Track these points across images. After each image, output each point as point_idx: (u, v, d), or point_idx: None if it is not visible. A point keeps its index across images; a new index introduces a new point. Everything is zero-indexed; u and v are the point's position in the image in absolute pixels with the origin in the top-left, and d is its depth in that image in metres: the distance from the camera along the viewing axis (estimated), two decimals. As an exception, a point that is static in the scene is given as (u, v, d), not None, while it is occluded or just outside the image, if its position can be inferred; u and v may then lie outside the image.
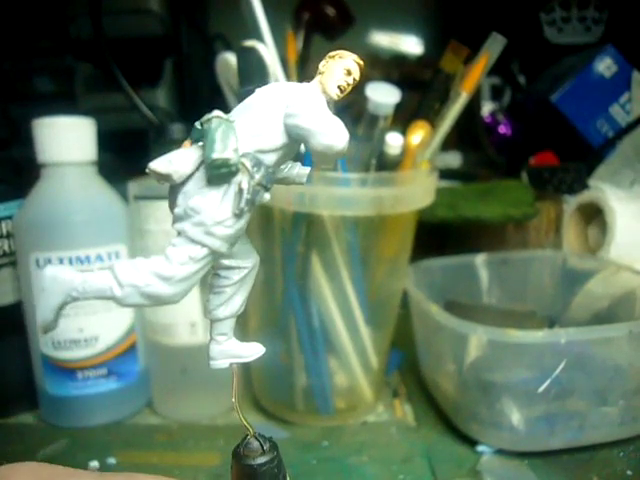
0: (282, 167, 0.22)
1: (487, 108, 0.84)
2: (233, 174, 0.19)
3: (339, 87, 0.21)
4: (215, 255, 0.20)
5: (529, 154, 0.75)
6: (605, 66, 0.71)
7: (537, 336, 0.36)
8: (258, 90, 0.21)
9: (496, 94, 0.86)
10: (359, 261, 0.42)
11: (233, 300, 0.22)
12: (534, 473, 0.36)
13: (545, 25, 0.82)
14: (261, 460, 0.23)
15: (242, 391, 0.48)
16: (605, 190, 0.58)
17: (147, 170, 0.20)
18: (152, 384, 0.47)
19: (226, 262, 0.21)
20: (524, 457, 0.38)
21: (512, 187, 0.61)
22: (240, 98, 0.22)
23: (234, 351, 0.23)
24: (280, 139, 0.20)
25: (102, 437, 0.43)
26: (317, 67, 0.21)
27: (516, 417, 0.37)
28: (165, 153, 0.20)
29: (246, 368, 0.47)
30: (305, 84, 0.21)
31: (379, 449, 0.41)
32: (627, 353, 0.37)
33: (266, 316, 0.45)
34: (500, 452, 0.39)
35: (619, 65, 0.71)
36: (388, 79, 0.46)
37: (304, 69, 0.47)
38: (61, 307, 0.21)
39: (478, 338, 0.37)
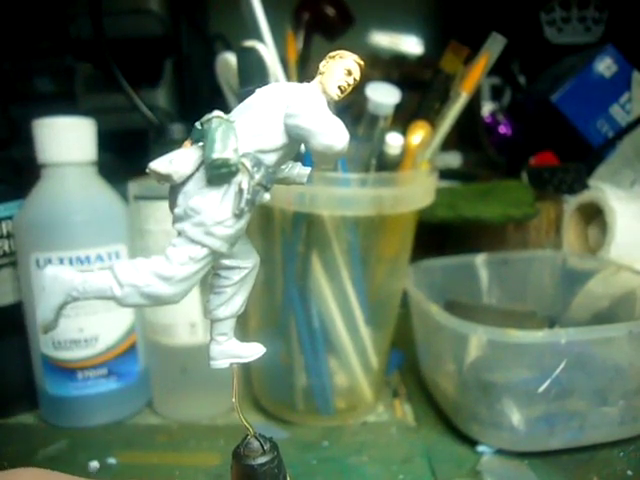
0: (282, 167, 0.22)
1: (487, 108, 0.84)
2: (233, 174, 0.19)
3: (339, 87, 0.21)
4: (215, 255, 0.20)
5: (529, 154, 0.75)
6: (605, 66, 0.71)
7: (537, 336, 0.36)
8: (258, 90, 0.21)
9: (496, 94, 0.86)
10: (359, 261, 0.42)
11: (233, 300, 0.22)
12: (534, 473, 0.36)
13: (545, 25, 0.82)
14: (262, 460, 0.23)
15: (242, 391, 0.48)
16: (605, 190, 0.58)
17: (147, 170, 0.20)
18: (152, 384, 0.47)
19: (226, 262, 0.21)
20: (524, 457, 0.38)
21: (512, 187, 0.61)
22: (240, 98, 0.22)
23: (234, 351, 0.23)
24: (280, 139, 0.20)
25: (102, 437, 0.43)
26: (317, 67, 0.21)
27: (516, 417, 0.37)
28: (165, 153, 0.20)
29: (246, 368, 0.47)
30: (305, 84, 0.21)
31: (379, 449, 0.41)
32: (627, 353, 0.37)
33: (266, 316, 0.45)
34: (500, 452, 0.39)
35: (619, 65, 0.71)
36: (388, 79, 0.46)
37: (304, 69, 0.47)
38: (61, 307, 0.21)
39: (478, 338, 0.37)
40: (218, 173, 0.19)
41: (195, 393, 0.45)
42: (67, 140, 0.42)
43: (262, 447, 0.23)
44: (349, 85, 0.21)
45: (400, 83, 0.44)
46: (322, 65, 0.21)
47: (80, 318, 0.42)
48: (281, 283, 0.42)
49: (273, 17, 0.42)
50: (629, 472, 0.36)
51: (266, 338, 0.45)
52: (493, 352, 0.38)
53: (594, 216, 0.60)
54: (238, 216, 0.20)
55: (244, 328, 0.45)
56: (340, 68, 0.21)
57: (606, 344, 0.37)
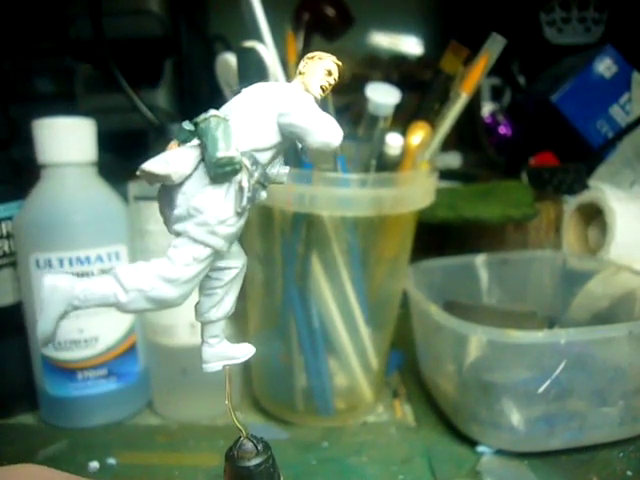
0: None
1: (487, 108, 0.84)
2: (236, 172, 0.19)
3: (321, 87, 0.21)
4: (216, 255, 0.20)
5: (529, 154, 0.75)
6: (605, 66, 0.71)
7: (537, 336, 0.36)
8: (244, 90, 0.21)
9: (496, 94, 0.86)
10: (359, 262, 0.42)
11: (224, 301, 0.22)
12: (534, 474, 0.36)
13: (545, 25, 0.82)
14: (257, 461, 0.23)
15: (242, 391, 0.48)
16: (605, 190, 0.58)
17: (139, 172, 0.19)
18: (152, 385, 0.47)
19: (218, 263, 0.21)
20: (524, 457, 0.38)
21: (512, 187, 0.61)
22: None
23: (227, 353, 0.23)
24: (274, 138, 0.20)
25: (102, 438, 0.43)
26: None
27: (516, 417, 0.37)
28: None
29: (246, 369, 0.47)
30: (289, 84, 0.21)
31: (379, 449, 0.41)
32: (627, 353, 0.37)
33: (266, 316, 0.45)
34: (500, 452, 0.39)
35: (619, 65, 0.71)
36: (388, 79, 0.46)
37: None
38: (62, 317, 0.20)
39: (478, 338, 0.37)
40: (222, 171, 0.19)
41: (195, 393, 0.45)
42: (67, 140, 0.42)
43: (256, 448, 0.23)
44: (330, 85, 0.21)
45: (400, 83, 0.44)
46: (302, 66, 0.22)
47: (80, 319, 0.42)
48: (281, 283, 0.42)
49: (273, 17, 0.42)
50: (629, 472, 0.36)
51: (266, 338, 0.45)
52: (493, 352, 0.38)
53: (594, 216, 0.60)
54: (240, 214, 0.20)
55: (244, 329, 0.46)
56: (320, 68, 0.21)
57: (606, 344, 0.37)
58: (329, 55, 0.22)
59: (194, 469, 0.38)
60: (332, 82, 0.21)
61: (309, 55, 0.22)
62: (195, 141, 0.20)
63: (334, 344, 0.43)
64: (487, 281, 0.53)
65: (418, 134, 0.42)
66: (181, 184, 0.20)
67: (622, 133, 0.68)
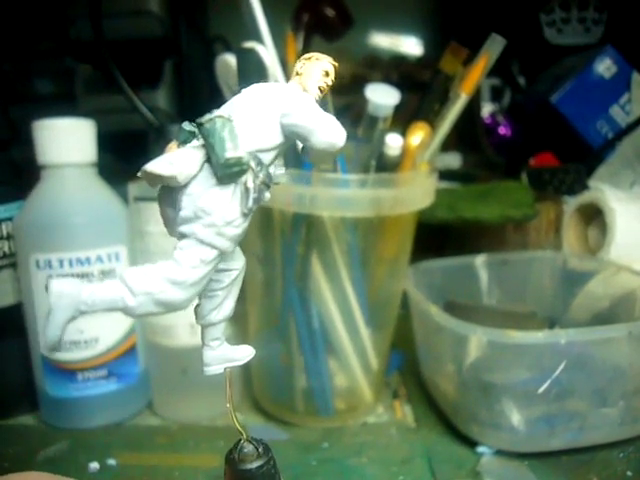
0: None
1: (487, 109, 0.84)
2: (244, 172, 0.19)
3: (319, 88, 0.21)
4: (222, 257, 0.20)
5: (529, 155, 0.75)
6: (605, 67, 0.71)
7: (537, 337, 0.36)
8: (244, 90, 0.21)
9: (496, 95, 0.86)
10: (359, 262, 0.42)
11: (225, 304, 0.22)
12: (534, 474, 0.36)
13: (545, 26, 0.82)
14: (258, 463, 0.23)
15: (242, 392, 0.48)
16: (605, 191, 0.58)
17: (141, 173, 0.19)
18: (152, 385, 0.47)
19: (219, 265, 0.21)
20: (524, 458, 0.38)
21: (512, 188, 0.61)
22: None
23: (228, 355, 0.23)
24: (278, 138, 0.20)
25: (102, 438, 0.43)
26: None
27: (516, 418, 0.37)
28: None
29: (246, 369, 0.47)
30: (289, 84, 0.21)
31: (379, 450, 0.41)
32: (627, 354, 0.37)
33: (266, 317, 0.45)
34: (500, 453, 0.39)
35: (619, 66, 0.71)
36: (387, 80, 0.46)
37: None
38: (69, 322, 0.20)
39: (478, 339, 0.37)
40: (230, 172, 0.19)
41: (195, 394, 0.45)
42: (67, 141, 0.42)
43: (257, 450, 0.23)
44: (327, 86, 0.21)
45: (399, 84, 0.44)
46: (299, 67, 0.22)
47: (80, 319, 0.42)
48: (281, 284, 0.42)
49: (273, 18, 0.42)
50: (629, 473, 0.36)
51: (266, 339, 0.45)
52: (493, 353, 0.38)
53: (594, 217, 0.60)
54: (245, 215, 0.20)
55: (244, 329, 0.46)
56: (318, 69, 0.21)
57: (606, 345, 0.37)
58: (325, 56, 0.22)
59: (194, 470, 0.38)
60: (329, 83, 0.21)
61: (306, 56, 0.22)
62: (196, 142, 0.20)
63: (334, 345, 0.43)
64: (487, 282, 0.53)
65: (418, 135, 0.42)
66: (186, 185, 0.20)
67: (622, 133, 0.68)
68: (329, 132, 0.20)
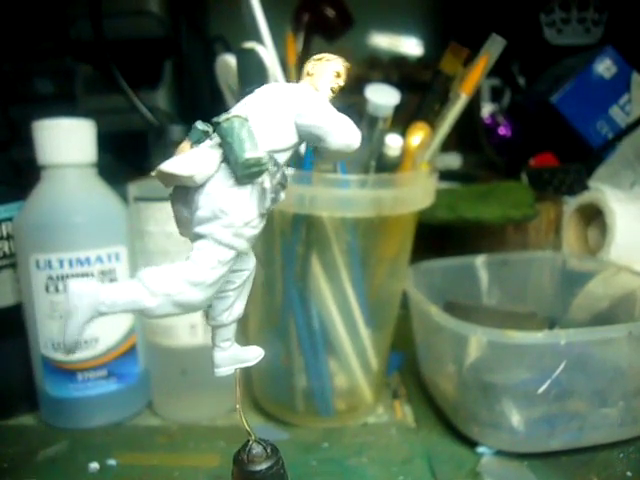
0: None
1: (487, 109, 0.84)
2: (263, 172, 0.19)
3: (331, 89, 0.21)
4: (238, 257, 0.20)
5: (529, 155, 0.75)
6: (605, 67, 0.71)
7: (537, 337, 0.36)
8: (257, 90, 0.21)
9: (496, 95, 0.86)
10: (359, 262, 0.42)
11: (235, 304, 0.22)
12: (534, 474, 0.36)
13: (545, 26, 0.82)
14: (267, 464, 0.23)
15: (242, 393, 0.48)
16: (605, 191, 0.58)
17: (154, 173, 0.19)
18: (152, 385, 0.47)
19: (232, 266, 0.21)
20: (524, 458, 0.38)
21: (512, 188, 0.61)
22: (241, 100, 0.22)
23: (238, 356, 0.23)
24: (292, 139, 0.20)
25: (102, 438, 0.43)
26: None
27: (516, 418, 0.37)
28: (165, 154, 0.20)
29: (246, 370, 0.47)
30: (302, 85, 0.21)
31: (379, 450, 0.41)
32: (627, 354, 0.37)
33: (266, 317, 0.45)
34: (500, 453, 0.39)
35: (619, 66, 0.71)
36: (388, 80, 0.46)
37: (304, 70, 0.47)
38: (87, 323, 0.20)
39: (478, 339, 0.37)
40: (250, 172, 0.19)
41: (195, 394, 0.45)
42: (67, 141, 0.42)
43: (265, 451, 0.23)
44: (339, 87, 0.21)
45: (400, 84, 0.44)
46: (310, 67, 0.21)
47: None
48: (281, 284, 0.42)
49: (273, 18, 0.42)
50: (629, 473, 0.36)
51: (266, 340, 0.45)
52: (493, 353, 0.38)
53: (594, 217, 0.60)
54: (262, 216, 0.20)
55: (244, 330, 0.45)
56: (329, 70, 0.21)
57: (606, 345, 0.37)
58: (337, 57, 0.22)
59: (194, 470, 0.38)
60: (341, 84, 0.21)
61: (317, 57, 0.22)
62: (209, 141, 0.20)
63: (334, 345, 0.43)
64: (487, 282, 0.53)
65: (418, 135, 0.42)
66: (203, 185, 0.19)
67: (622, 134, 0.68)
68: (345, 133, 0.19)
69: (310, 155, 0.36)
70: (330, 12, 0.52)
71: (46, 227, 0.42)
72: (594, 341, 0.37)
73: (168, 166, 0.19)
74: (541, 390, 0.36)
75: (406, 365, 0.53)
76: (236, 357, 0.23)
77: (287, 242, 0.41)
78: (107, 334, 0.44)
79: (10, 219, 0.44)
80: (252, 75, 0.38)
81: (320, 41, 0.54)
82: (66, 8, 0.63)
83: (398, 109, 0.42)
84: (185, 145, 0.20)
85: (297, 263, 0.41)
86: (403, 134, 0.42)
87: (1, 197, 0.44)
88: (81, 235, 0.42)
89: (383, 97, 0.42)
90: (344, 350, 0.43)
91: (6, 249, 0.45)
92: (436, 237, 0.61)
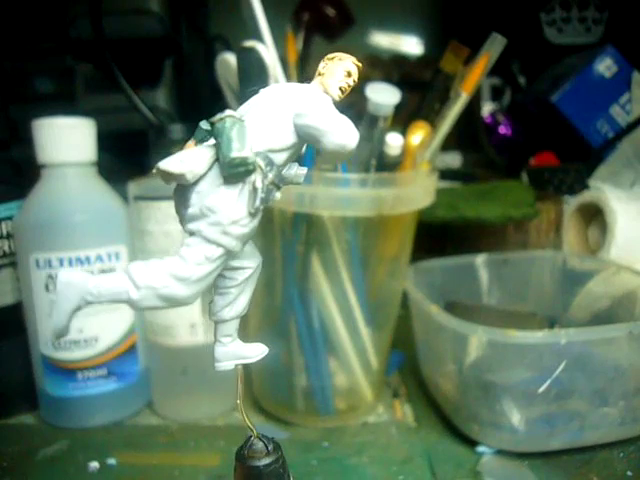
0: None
1: (487, 108, 0.84)
2: (249, 173, 0.19)
3: (340, 88, 0.21)
4: (230, 255, 0.20)
5: (529, 154, 0.75)
6: (605, 66, 0.71)
7: (537, 336, 0.36)
8: (262, 90, 0.21)
9: (496, 94, 0.86)
10: (359, 261, 0.42)
11: (238, 301, 0.22)
12: (534, 474, 0.36)
13: (545, 25, 0.82)
14: (267, 460, 0.23)
15: (243, 391, 0.48)
16: (605, 190, 0.58)
17: (154, 170, 0.19)
18: (152, 385, 0.47)
19: (232, 263, 0.21)
20: (524, 458, 0.38)
21: (512, 187, 0.61)
22: (242, 98, 0.22)
23: (239, 352, 0.23)
24: (290, 139, 0.20)
25: (102, 438, 0.43)
26: (316, 68, 0.21)
27: (516, 417, 0.37)
28: (165, 153, 0.20)
29: (246, 369, 0.47)
30: (307, 85, 0.21)
31: (379, 450, 0.41)
32: (627, 353, 0.37)
33: (266, 317, 0.45)
34: (500, 453, 0.39)
35: (619, 65, 0.71)
36: (388, 79, 0.46)
37: (304, 70, 0.47)
38: (75, 311, 0.20)
39: (478, 338, 0.37)
40: (236, 172, 0.19)
41: (195, 393, 0.45)
42: (67, 140, 0.42)
43: (266, 447, 0.23)
44: (349, 86, 0.21)
45: (400, 83, 0.44)
46: (321, 67, 0.22)
47: (80, 319, 0.42)
48: (281, 284, 0.42)
49: (273, 17, 0.42)
50: (629, 473, 0.36)
51: (266, 339, 0.45)
52: (493, 352, 0.38)
53: (594, 216, 0.60)
54: (253, 215, 0.20)
55: (244, 329, 0.45)
56: (340, 69, 0.21)
57: (606, 344, 0.37)
58: (349, 56, 0.22)
59: (194, 469, 0.38)
60: (351, 83, 0.21)
61: (329, 56, 0.22)
62: (211, 140, 0.20)
63: (334, 344, 0.43)
64: (487, 281, 0.53)
65: (418, 134, 0.42)
66: (195, 183, 0.20)
67: (622, 133, 0.68)
68: (341, 134, 0.20)
69: (311, 154, 0.36)
70: (330, 11, 0.52)
71: (46, 226, 0.42)
72: (594, 340, 0.37)
73: (164, 164, 0.19)
74: (541, 389, 0.36)
75: (406, 364, 0.53)
76: (236, 353, 0.23)
77: (287, 241, 0.41)
78: (107, 333, 0.44)
79: (10, 218, 0.44)
80: (252, 74, 0.38)
81: (320, 40, 0.54)
82: (66, 7, 0.62)
83: (398, 108, 0.42)
84: (190, 144, 0.21)
85: (297, 262, 0.41)
86: (403, 133, 0.42)
87: (1, 196, 0.44)
88: (81, 234, 0.42)
89: (383, 96, 0.42)
90: (344, 349, 0.43)
91: (6, 248, 0.45)
92: (436, 236, 0.61)
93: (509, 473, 0.37)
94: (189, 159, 0.19)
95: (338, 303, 0.42)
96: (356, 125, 0.20)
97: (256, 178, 0.20)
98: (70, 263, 0.42)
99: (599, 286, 0.48)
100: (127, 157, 0.53)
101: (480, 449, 0.39)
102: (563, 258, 0.54)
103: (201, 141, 0.20)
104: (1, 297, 0.45)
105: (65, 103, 0.65)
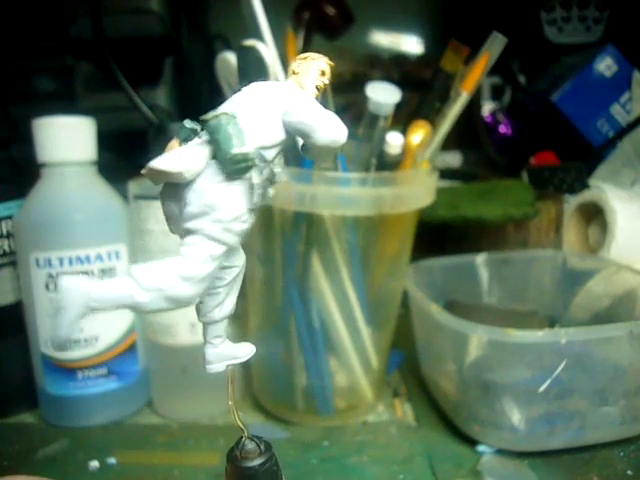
0: None
1: (487, 108, 0.84)
2: (250, 168, 0.19)
3: (316, 87, 0.22)
4: (228, 253, 0.20)
5: (529, 154, 0.75)
6: (605, 65, 0.71)
7: (537, 336, 0.36)
8: (244, 89, 0.21)
9: (496, 94, 0.86)
10: (359, 261, 0.42)
11: (226, 301, 0.22)
12: (534, 473, 0.36)
13: (545, 24, 0.82)
14: (260, 460, 0.23)
15: (242, 391, 0.48)
16: (605, 190, 0.58)
17: (145, 170, 0.19)
18: (152, 384, 0.47)
19: (223, 262, 0.21)
20: (524, 457, 0.38)
21: (512, 187, 0.61)
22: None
23: (230, 353, 0.23)
24: (280, 135, 0.20)
25: (102, 437, 0.43)
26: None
27: (516, 417, 0.37)
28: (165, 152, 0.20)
29: (246, 368, 0.47)
30: (287, 83, 0.22)
31: (379, 449, 0.41)
32: (627, 353, 0.37)
33: (266, 316, 0.45)
34: (500, 452, 0.39)
35: (619, 64, 0.71)
36: (388, 79, 0.46)
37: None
38: (79, 319, 0.20)
39: (478, 338, 0.37)
40: (237, 168, 0.19)
41: (195, 393, 0.45)
42: (67, 139, 0.42)
43: (258, 448, 0.23)
44: (324, 85, 0.22)
45: (400, 82, 0.44)
46: (295, 66, 0.22)
47: (80, 318, 0.42)
48: (281, 283, 0.42)
49: (273, 16, 0.42)
50: (629, 472, 0.36)
51: (266, 338, 0.45)
52: (493, 352, 0.38)
53: (594, 216, 0.60)
54: (251, 211, 0.20)
55: (244, 328, 0.45)
56: (315, 69, 0.22)
57: (606, 344, 0.37)
58: (321, 55, 0.22)
59: (194, 468, 0.38)
60: (326, 82, 0.22)
61: (302, 56, 0.22)
62: (197, 139, 0.20)
63: (334, 343, 0.43)
64: (488, 280, 0.53)
65: (418, 133, 0.42)
66: (192, 182, 0.20)
67: (623, 132, 0.68)
68: (331, 129, 0.20)
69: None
70: (330, 10, 0.52)
71: (46, 225, 0.42)
72: (595, 340, 0.37)
73: (158, 163, 0.19)
74: (542, 389, 0.36)
75: (406, 364, 0.53)
76: (227, 354, 0.23)
77: (287, 240, 0.41)
78: (107, 332, 0.44)
79: (10, 217, 0.44)
80: (252, 73, 0.38)
81: (320, 39, 0.54)
82: (66, 6, 0.62)
83: (399, 107, 0.42)
84: (174, 143, 0.20)
85: (297, 261, 0.41)
86: (404, 132, 0.42)
87: (1, 195, 0.44)
88: (81, 233, 0.42)
89: (384, 95, 0.42)
90: (344, 348, 0.43)
91: (6, 247, 0.45)
92: (437, 235, 0.61)
93: (509, 472, 0.37)
94: (186, 157, 0.19)
95: (338, 302, 0.42)
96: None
97: (253, 174, 0.20)
98: (70, 262, 0.42)
99: (599, 285, 0.48)
100: (127, 156, 0.52)
101: (480, 448, 0.39)
102: (563, 257, 0.54)
103: (185, 140, 0.20)
104: (1, 296, 0.45)
105: (65, 102, 0.65)
